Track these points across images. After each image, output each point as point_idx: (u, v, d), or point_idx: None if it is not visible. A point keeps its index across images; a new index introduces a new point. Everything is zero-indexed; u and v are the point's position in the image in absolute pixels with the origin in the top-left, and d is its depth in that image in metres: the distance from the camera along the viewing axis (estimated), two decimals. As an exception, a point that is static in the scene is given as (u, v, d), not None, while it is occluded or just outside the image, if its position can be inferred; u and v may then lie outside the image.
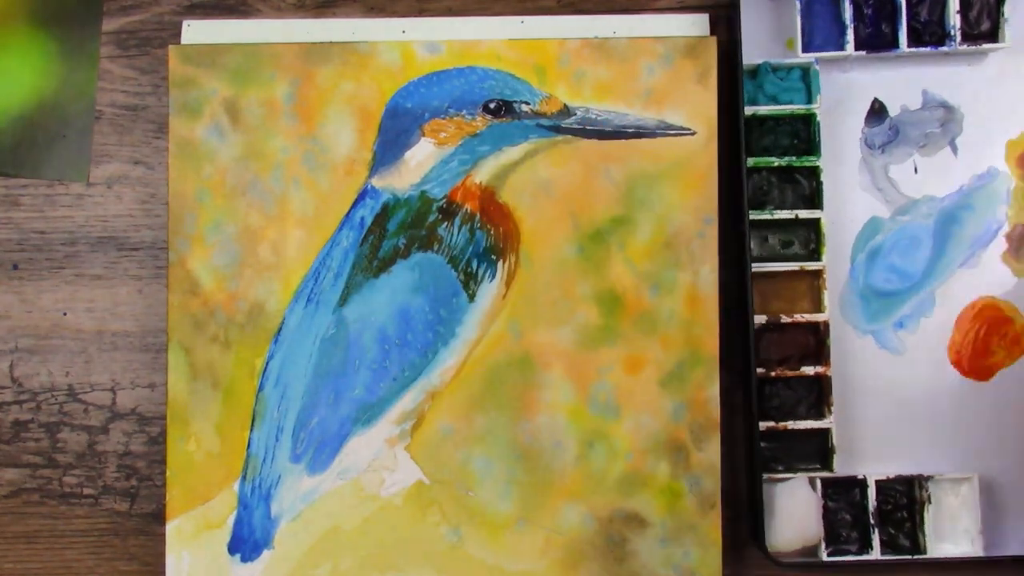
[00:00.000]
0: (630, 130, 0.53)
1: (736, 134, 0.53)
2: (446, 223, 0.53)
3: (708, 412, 0.53)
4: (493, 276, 0.53)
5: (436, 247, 0.53)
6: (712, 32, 0.54)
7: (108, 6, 0.57)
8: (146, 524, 0.56)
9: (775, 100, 0.55)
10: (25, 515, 0.56)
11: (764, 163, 0.54)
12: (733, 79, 0.54)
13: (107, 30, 0.57)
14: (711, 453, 0.53)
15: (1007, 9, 0.54)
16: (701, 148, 0.53)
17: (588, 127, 0.53)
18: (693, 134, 0.53)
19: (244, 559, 0.54)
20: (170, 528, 0.54)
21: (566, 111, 0.54)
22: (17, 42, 0.57)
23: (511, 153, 0.54)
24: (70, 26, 0.57)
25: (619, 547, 0.53)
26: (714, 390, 0.53)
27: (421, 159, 0.54)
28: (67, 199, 0.57)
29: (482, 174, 0.54)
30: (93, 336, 0.56)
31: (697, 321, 0.53)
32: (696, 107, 0.53)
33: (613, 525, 0.53)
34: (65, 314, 0.56)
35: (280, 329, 0.54)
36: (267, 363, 0.54)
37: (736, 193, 0.53)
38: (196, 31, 0.55)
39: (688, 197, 0.53)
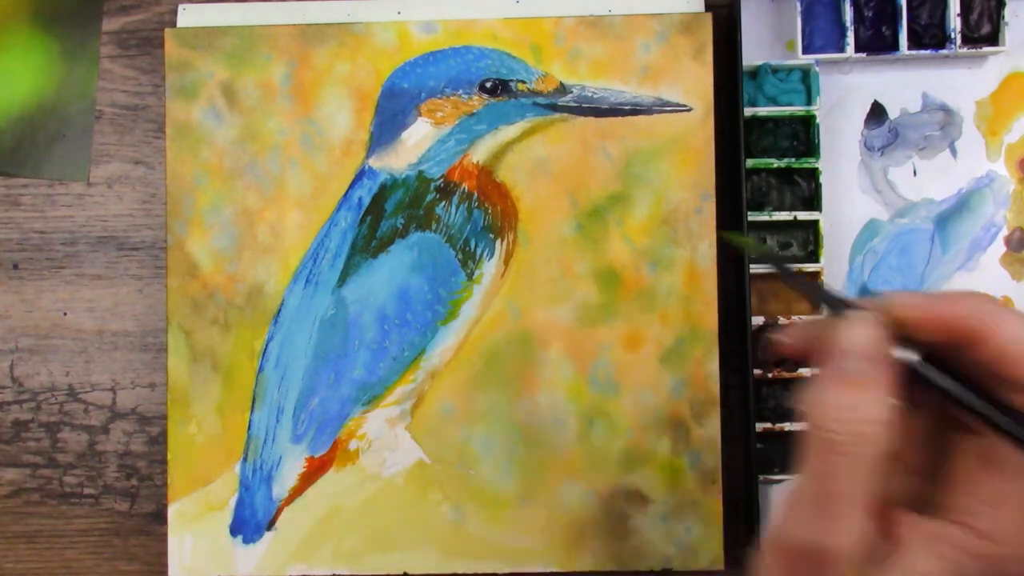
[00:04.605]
0: (626, 107, 0.53)
1: (735, 135, 0.53)
2: (444, 202, 0.53)
3: (708, 388, 0.53)
4: (491, 255, 0.53)
5: (434, 226, 0.53)
6: (712, 31, 0.54)
7: (108, 6, 0.57)
8: (146, 524, 0.56)
9: (775, 101, 0.55)
10: (25, 515, 0.56)
11: (763, 164, 0.54)
12: (733, 80, 0.54)
13: (107, 30, 0.57)
14: (711, 429, 0.53)
15: (1008, 12, 0.54)
16: (698, 124, 0.53)
17: (584, 105, 0.54)
18: (689, 110, 0.53)
19: (246, 541, 0.54)
20: (172, 511, 0.54)
21: (562, 89, 0.54)
22: (17, 42, 0.57)
23: (508, 132, 0.54)
24: (70, 26, 0.57)
25: (620, 524, 0.53)
26: (713, 365, 0.53)
27: (418, 139, 0.54)
28: (67, 199, 0.57)
29: (479, 153, 0.54)
30: (93, 336, 0.56)
31: (696, 297, 0.53)
32: (692, 83, 0.53)
33: (614, 502, 0.53)
34: (65, 314, 0.56)
35: (279, 311, 0.54)
36: (267, 345, 0.54)
37: (735, 194, 0.53)
38: (192, 14, 0.55)
39: (685, 173, 0.53)
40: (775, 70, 0.55)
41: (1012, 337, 0.30)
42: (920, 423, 0.34)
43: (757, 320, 0.54)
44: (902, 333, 0.32)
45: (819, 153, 0.54)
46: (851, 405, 0.30)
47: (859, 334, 0.31)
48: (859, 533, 0.30)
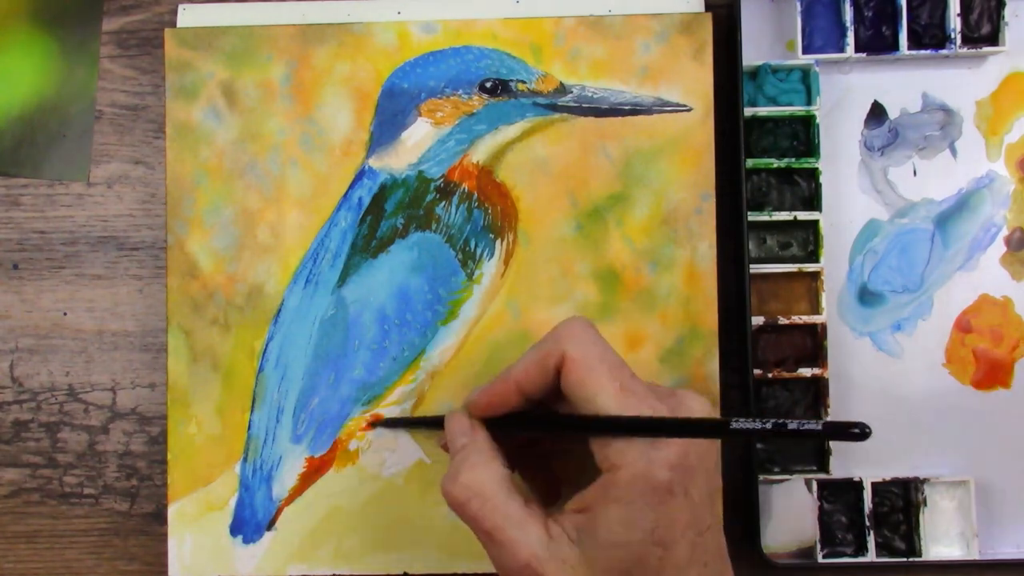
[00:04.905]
0: (626, 107, 0.53)
1: (735, 135, 0.53)
2: (444, 202, 0.54)
3: (708, 388, 0.53)
4: (491, 255, 0.53)
5: (434, 226, 0.53)
6: (712, 31, 0.54)
7: (108, 6, 0.57)
8: (146, 524, 0.56)
9: (775, 101, 0.55)
10: (25, 515, 0.56)
11: (763, 164, 0.54)
12: (733, 80, 0.54)
13: (107, 30, 0.57)
14: (711, 429, 0.53)
15: (1008, 12, 0.54)
16: (698, 124, 0.53)
17: (584, 105, 0.54)
18: (689, 110, 0.53)
19: (246, 541, 0.54)
20: (172, 511, 0.54)
21: (562, 89, 0.54)
22: (17, 42, 0.57)
23: (508, 132, 0.54)
24: (70, 26, 0.57)
25: (621, 524, 0.53)
26: (713, 365, 0.53)
27: (418, 139, 0.54)
28: (67, 199, 0.57)
29: (479, 153, 0.54)
30: (93, 336, 0.56)
31: (696, 297, 0.53)
32: (692, 83, 0.53)
33: (614, 502, 0.53)
34: (65, 314, 0.56)
35: (279, 311, 0.54)
36: (267, 345, 0.54)
37: (735, 194, 0.53)
38: (192, 14, 0.55)
39: (685, 173, 0.53)
40: (775, 70, 0.55)
41: (572, 382, 0.42)
42: (537, 451, 0.47)
43: (757, 320, 0.54)
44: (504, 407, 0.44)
45: (819, 153, 0.54)
46: (468, 464, 0.43)
47: (455, 423, 0.45)
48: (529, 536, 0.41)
